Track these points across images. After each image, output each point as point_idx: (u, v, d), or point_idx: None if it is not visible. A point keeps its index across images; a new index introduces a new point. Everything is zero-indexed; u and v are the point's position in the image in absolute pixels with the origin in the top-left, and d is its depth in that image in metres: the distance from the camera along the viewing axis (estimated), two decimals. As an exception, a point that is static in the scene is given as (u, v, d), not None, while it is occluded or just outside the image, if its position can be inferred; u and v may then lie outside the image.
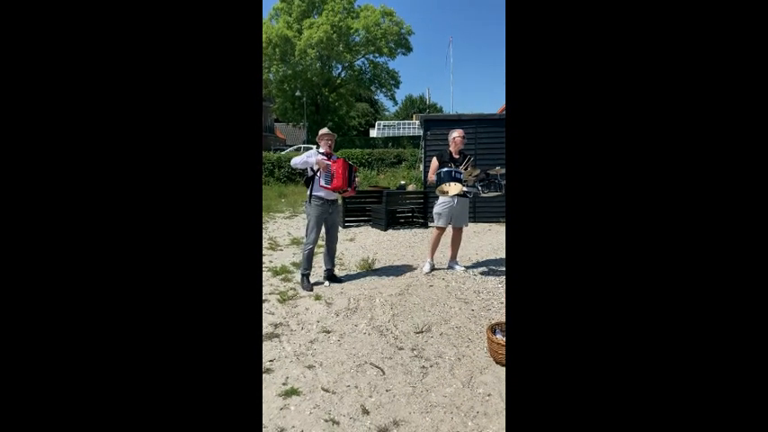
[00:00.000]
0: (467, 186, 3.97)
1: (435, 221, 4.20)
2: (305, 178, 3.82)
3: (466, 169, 3.95)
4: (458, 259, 4.47)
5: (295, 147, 21.66)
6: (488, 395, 2.09)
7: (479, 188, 3.99)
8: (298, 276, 4.12)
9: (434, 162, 4.16)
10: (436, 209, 4.18)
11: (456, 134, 4.13)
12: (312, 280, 3.84)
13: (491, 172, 4.01)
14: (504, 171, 3.97)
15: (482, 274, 4.18)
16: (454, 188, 3.90)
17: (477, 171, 3.96)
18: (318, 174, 3.70)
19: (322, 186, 3.70)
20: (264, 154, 14.53)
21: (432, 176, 4.14)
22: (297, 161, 3.77)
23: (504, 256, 4.89)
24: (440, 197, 4.10)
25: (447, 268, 4.38)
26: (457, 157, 4.09)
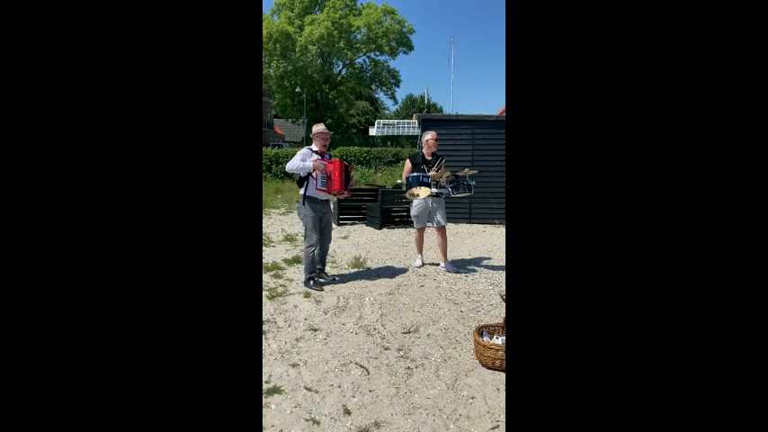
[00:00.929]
0: (438, 188, 4.06)
1: (414, 224, 4.38)
2: (298, 178, 3.69)
3: (438, 170, 4.06)
4: (449, 260, 4.50)
5: None
6: (472, 398, 2.08)
7: (449, 189, 4.10)
8: (288, 273, 4.10)
9: (408, 165, 4.25)
10: (412, 212, 4.33)
11: (429, 136, 4.24)
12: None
13: (459, 174, 4.13)
14: (472, 172, 4.11)
15: (473, 275, 4.17)
16: (423, 192, 3.99)
17: (447, 173, 4.09)
18: (314, 175, 3.58)
19: (319, 189, 3.58)
20: (262, 150, 14.48)
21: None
22: (292, 167, 3.58)
23: (496, 258, 4.88)
24: (414, 200, 4.23)
25: (438, 265, 4.46)
26: (429, 158, 4.18)
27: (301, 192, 3.68)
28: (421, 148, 4.38)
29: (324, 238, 3.84)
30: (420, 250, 4.48)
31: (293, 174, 3.72)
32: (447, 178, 4.07)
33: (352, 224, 7.03)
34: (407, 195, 4.11)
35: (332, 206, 4.08)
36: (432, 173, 4.04)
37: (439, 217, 4.24)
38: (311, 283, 3.69)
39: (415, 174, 4.02)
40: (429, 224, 4.38)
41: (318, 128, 3.76)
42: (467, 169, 4.18)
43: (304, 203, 3.65)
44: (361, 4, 25.56)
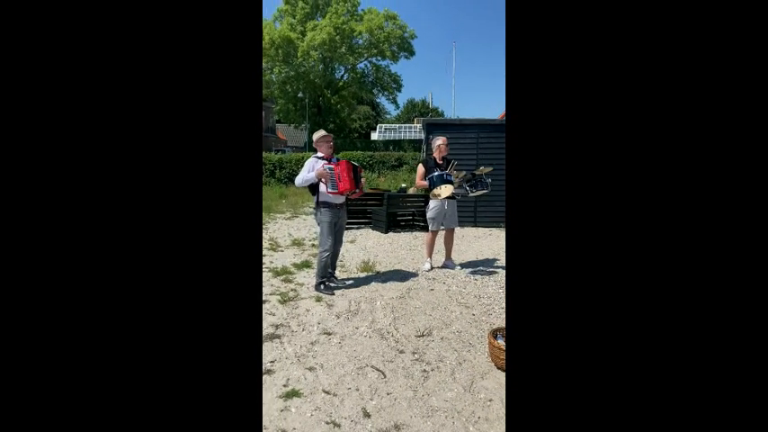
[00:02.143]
0: (455, 189, 4.14)
1: (429, 226, 4.45)
2: (309, 184, 3.68)
3: (452, 173, 4.16)
4: (457, 262, 4.62)
5: None
6: (489, 400, 2.09)
7: (467, 188, 4.19)
8: (299, 277, 4.12)
9: (421, 168, 4.36)
10: (429, 213, 4.41)
11: (440, 141, 4.34)
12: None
13: (476, 172, 4.23)
14: (487, 170, 4.21)
15: (483, 278, 4.18)
16: (446, 190, 4.06)
17: (463, 173, 4.19)
18: (323, 181, 3.60)
19: (329, 193, 3.59)
20: (265, 155, 14.55)
21: (420, 182, 4.31)
22: (299, 181, 3.65)
23: (504, 261, 4.90)
24: (431, 202, 4.32)
25: (442, 267, 4.55)
26: (441, 162, 4.29)
27: (315, 199, 3.70)
28: (431, 152, 4.45)
29: (336, 242, 3.84)
30: (430, 253, 4.53)
31: (302, 186, 3.76)
32: (463, 178, 4.16)
33: (358, 228, 7.06)
34: (431, 196, 4.19)
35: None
36: (451, 173, 4.14)
37: (452, 219, 4.39)
38: (322, 287, 3.71)
39: (438, 173, 4.11)
40: (442, 227, 4.44)
41: (318, 134, 3.78)
42: (482, 167, 4.28)
43: (320, 209, 3.67)
44: (363, 10, 25.70)
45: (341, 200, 3.74)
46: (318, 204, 3.68)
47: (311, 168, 3.64)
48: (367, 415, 1.96)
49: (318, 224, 3.77)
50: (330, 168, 3.60)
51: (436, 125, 7.57)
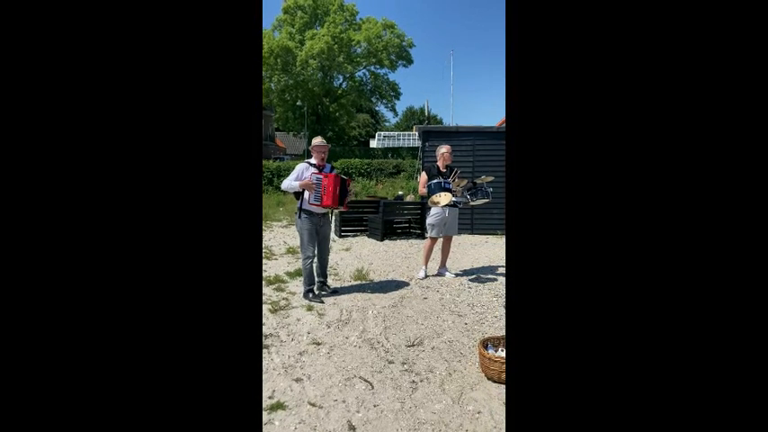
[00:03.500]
0: (455, 197, 4.13)
1: (429, 232, 4.44)
2: (294, 191, 3.69)
3: (453, 181, 4.17)
4: (451, 269, 4.60)
5: None
6: (478, 412, 2.04)
7: (468, 197, 4.18)
8: (291, 286, 4.08)
9: (423, 176, 4.37)
10: (429, 220, 4.39)
11: (444, 150, 4.35)
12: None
13: (477, 181, 4.23)
14: (488, 179, 4.20)
15: (477, 286, 4.15)
16: (444, 198, 4.06)
17: (465, 181, 4.19)
18: (308, 190, 3.58)
19: (312, 204, 3.57)
20: (264, 162, 14.58)
21: (422, 189, 4.34)
22: (284, 186, 3.67)
23: (499, 268, 4.86)
24: (432, 209, 4.29)
25: (436, 274, 4.52)
26: (444, 170, 4.30)
27: (297, 205, 3.69)
28: (427, 159, 4.47)
29: (322, 251, 3.80)
30: (426, 261, 4.49)
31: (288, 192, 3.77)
32: (465, 187, 4.17)
33: (354, 236, 7.03)
34: (429, 203, 4.19)
35: (331, 218, 4.06)
36: (451, 181, 4.15)
37: (452, 227, 4.38)
38: (310, 295, 3.67)
39: (436, 181, 4.13)
40: (441, 234, 4.42)
41: (315, 141, 3.79)
42: (484, 177, 4.28)
43: (300, 217, 3.66)
44: (361, 19, 25.90)
45: (323, 210, 3.71)
46: (300, 212, 3.66)
47: (299, 175, 3.64)
48: (352, 428, 1.91)
49: (299, 231, 3.72)
50: (318, 179, 3.57)
51: (432, 132, 7.57)
